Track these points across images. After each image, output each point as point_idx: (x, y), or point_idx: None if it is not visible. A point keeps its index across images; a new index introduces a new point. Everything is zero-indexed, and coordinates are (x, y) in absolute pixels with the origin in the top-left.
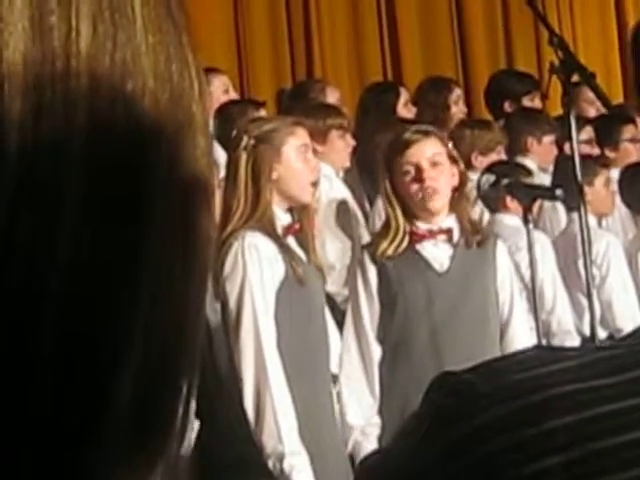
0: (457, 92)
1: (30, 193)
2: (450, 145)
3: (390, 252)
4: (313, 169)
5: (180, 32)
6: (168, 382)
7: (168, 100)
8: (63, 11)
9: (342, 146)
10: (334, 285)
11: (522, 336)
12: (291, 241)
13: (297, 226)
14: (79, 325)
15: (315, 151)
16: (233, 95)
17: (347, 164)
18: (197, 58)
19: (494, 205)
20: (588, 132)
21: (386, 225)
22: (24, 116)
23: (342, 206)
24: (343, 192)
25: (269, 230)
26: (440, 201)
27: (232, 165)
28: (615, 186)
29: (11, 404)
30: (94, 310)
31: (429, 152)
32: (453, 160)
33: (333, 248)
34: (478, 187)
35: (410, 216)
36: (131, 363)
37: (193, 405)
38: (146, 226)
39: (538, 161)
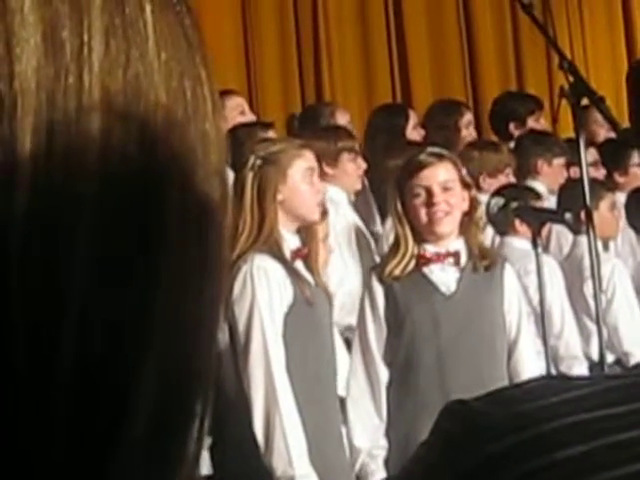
0: (468, 116)
1: (44, 212)
2: (464, 171)
3: (397, 272)
4: (318, 192)
5: (194, 50)
6: (182, 408)
7: (181, 117)
8: (75, 26)
9: (353, 169)
10: (335, 314)
11: (528, 359)
12: (298, 263)
13: (305, 250)
14: (92, 355)
15: (326, 174)
16: (249, 116)
17: (358, 187)
18: (211, 77)
19: (503, 228)
20: (593, 154)
21: (395, 246)
22: (37, 132)
23: (350, 233)
24: (351, 218)
25: (277, 253)
26: (449, 226)
27: (238, 185)
28: (622, 210)
29: (25, 441)
30: (108, 341)
31: (442, 176)
32: (465, 185)
33: (335, 276)
34: (487, 210)
35: (418, 238)
36: (145, 392)
37: (206, 430)
38: (160, 247)
39: (548, 184)
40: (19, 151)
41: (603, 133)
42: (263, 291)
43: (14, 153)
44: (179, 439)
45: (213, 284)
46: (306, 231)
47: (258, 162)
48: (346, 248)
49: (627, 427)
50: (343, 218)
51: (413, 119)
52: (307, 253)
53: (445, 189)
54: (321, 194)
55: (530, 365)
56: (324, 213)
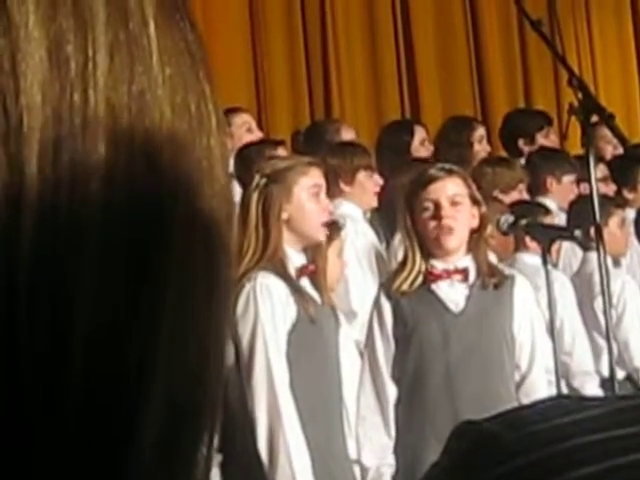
0: (480, 130)
1: (51, 227)
2: (474, 187)
3: (405, 287)
4: (325, 209)
5: (197, 66)
6: (191, 426)
7: (186, 132)
8: (80, 42)
9: (370, 186)
10: (357, 332)
11: (541, 387)
12: (305, 282)
13: (311, 267)
14: (102, 373)
15: (342, 191)
16: (257, 133)
17: (374, 204)
18: (215, 92)
19: (514, 244)
20: (602, 170)
21: (403, 261)
22: (43, 148)
23: (370, 250)
24: (368, 234)
25: (280, 271)
26: (455, 241)
27: (243, 204)
28: (630, 227)
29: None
30: (116, 362)
31: (450, 191)
32: (475, 201)
33: (356, 294)
34: (497, 227)
35: (426, 254)
36: (154, 411)
37: (215, 446)
38: (167, 265)
39: (558, 200)
40: (26, 166)
41: (610, 150)
42: (266, 309)
43: (21, 168)
44: (188, 456)
45: (220, 303)
46: (313, 248)
47: (263, 181)
48: (367, 266)
49: (638, 448)
50: (363, 236)
51: (419, 135)
52: (314, 270)
53: (453, 203)
54: (327, 213)
55: (543, 391)
56: (338, 228)
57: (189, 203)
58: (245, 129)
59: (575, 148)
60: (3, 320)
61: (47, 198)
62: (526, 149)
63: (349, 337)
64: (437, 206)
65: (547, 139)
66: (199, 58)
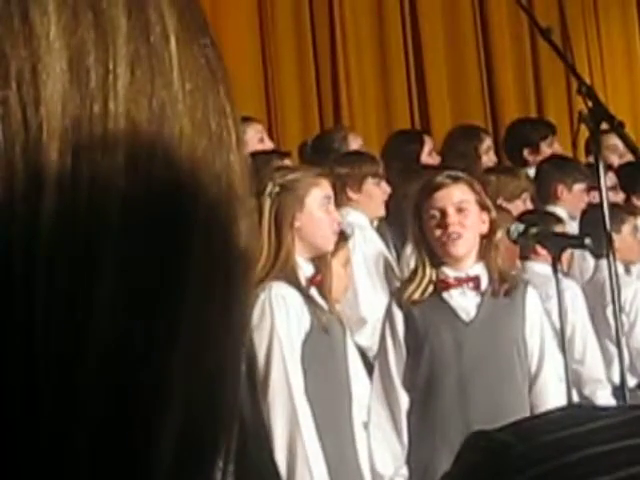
0: (487, 142)
1: (68, 239)
2: (482, 193)
3: (416, 296)
4: (334, 220)
5: (218, 82)
6: (208, 446)
7: (206, 148)
8: (101, 54)
9: (378, 194)
10: (366, 339)
11: (552, 385)
12: (313, 291)
13: (319, 277)
14: (116, 391)
15: (350, 199)
16: (268, 143)
17: (382, 213)
18: (234, 109)
19: (524, 253)
20: (611, 178)
21: (414, 270)
22: (63, 158)
23: (376, 257)
24: (377, 243)
25: (293, 280)
26: (462, 248)
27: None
28: None
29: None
30: (132, 379)
31: (456, 197)
32: (483, 207)
33: (365, 301)
34: (507, 236)
35: (436, 262)
36: (170, 430)
37: (232, 461)
38: (185, 280)
39: (569, 209)
40: (45, 176)
41: (616, 159)
42: (282, 319)
43: (40, 178)
44: (205, 468)
45: (238, 314)
46: (319, 259)
47: (276, 189)
48: (375, 274)
49: None
50: (371, 243)
51: (428, 145)
52: (321, 280)
53: (459, 210)
54: (337, 223)
55: (554, 391)
56: (344, 239)
57: (208, 218)
58: (257, 139)
59: (581, 156)
60: (21, 318)
61: (65, 208)
62: (531, 159)
63: (353, 346)
64: (443, 214)
65: (551, 148)
66: (219, 75)
